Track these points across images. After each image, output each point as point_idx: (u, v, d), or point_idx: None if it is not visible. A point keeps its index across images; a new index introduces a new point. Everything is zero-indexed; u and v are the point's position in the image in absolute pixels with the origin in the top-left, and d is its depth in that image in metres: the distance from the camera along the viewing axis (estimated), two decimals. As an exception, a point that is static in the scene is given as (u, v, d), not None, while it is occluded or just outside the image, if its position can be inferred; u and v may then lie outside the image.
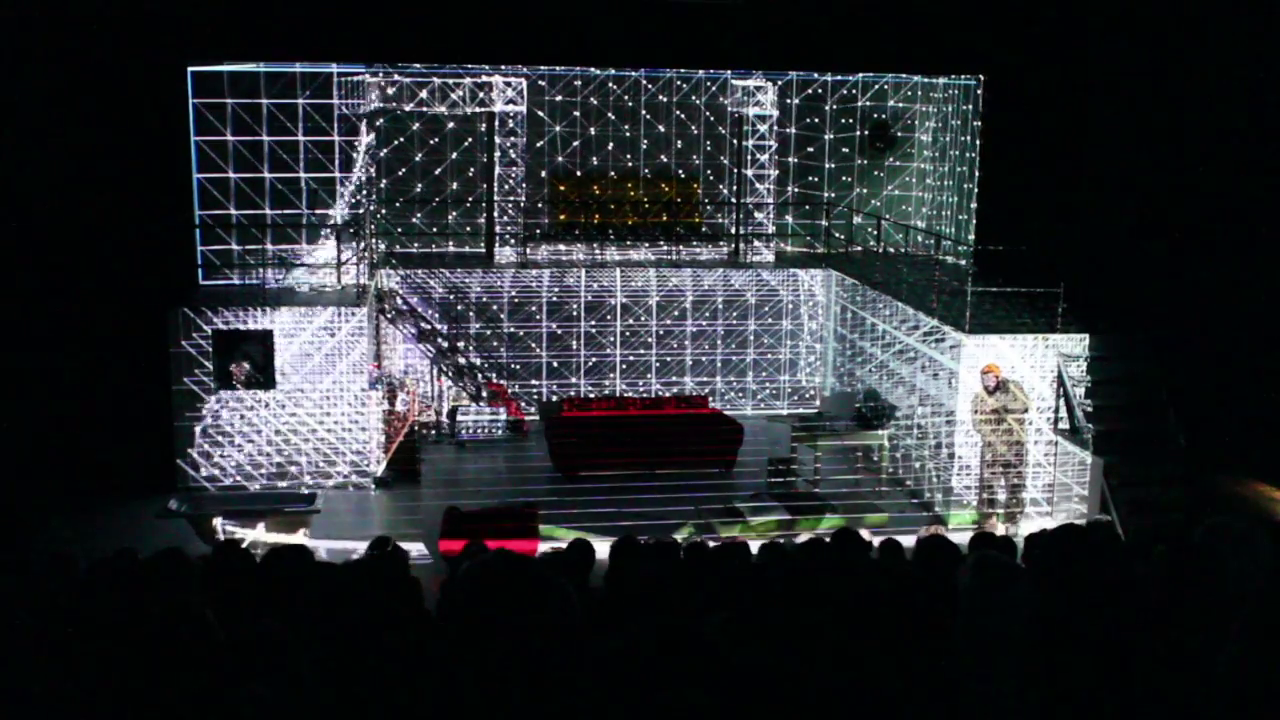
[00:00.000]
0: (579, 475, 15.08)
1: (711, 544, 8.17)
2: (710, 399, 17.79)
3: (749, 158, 18.44)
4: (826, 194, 19.37)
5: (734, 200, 18.88)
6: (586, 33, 16.00)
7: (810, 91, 19.17)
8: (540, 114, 18.49)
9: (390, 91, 17.11)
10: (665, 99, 18.81)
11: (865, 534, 8.07)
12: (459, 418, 16.67)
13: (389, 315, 16.80)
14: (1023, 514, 13.12)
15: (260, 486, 14.45)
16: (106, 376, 14.22)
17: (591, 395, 17.74)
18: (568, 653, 3.01)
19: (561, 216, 18.83)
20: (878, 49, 16.87)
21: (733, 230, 18.90)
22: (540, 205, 18.71)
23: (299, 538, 12.21)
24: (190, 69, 15.95)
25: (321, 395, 14.69)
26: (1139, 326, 13.55)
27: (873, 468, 15.42)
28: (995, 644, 4.90)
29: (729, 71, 18.42)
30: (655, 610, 5.53)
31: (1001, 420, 12.68)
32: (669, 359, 18.31)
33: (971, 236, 17.72)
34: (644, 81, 18.68)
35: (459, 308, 17.74)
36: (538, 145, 18.53)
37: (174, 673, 3.11)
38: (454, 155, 18.39)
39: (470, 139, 18.36)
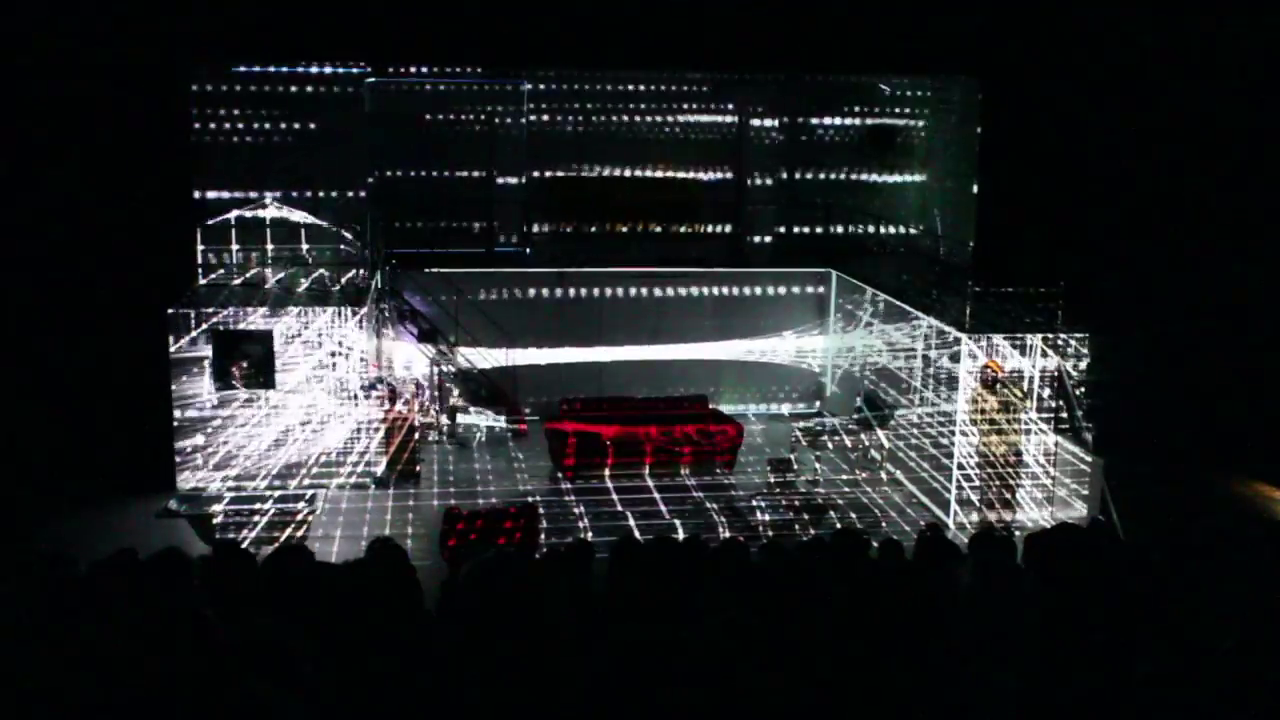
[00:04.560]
0: (579, 475, 15.07)
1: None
2: (709, 399, 17.77)
3: (749, 158, 18.44)
4: (826, 192, 19.36)
5: (734, 200, 18.87)
6: (587, 33, 16.00)
7: (810, 91, 19.15)
8: (540, 115, 18.48)
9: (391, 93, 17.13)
10: (665, 99, 18.80)
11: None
12: (459, 418, 16.66)
13: (389, 315, 16.79)
14: (1021, 513, 13.12)
15: (260, 486, 14.44)
16: (106, 376, 14.20)
17: (591, 395, 17.70)
18: (567, 652, 3.01)
19: (562, 217, 18.83)
20: (877, 49, 16.86)
21: (732, 230, 18.90)
22: (540, 206, 18.70)
23: (299, 537, 12.21)
24: (191, 68, 15.95)
25: (321, 395, 14.68)
26: (1139, 326, 13.54)
27: (873, 468, 15.42)
28: (995, 644, 4.89)
29: (729, 71, 18.41)
30: (655, 610, 5.52)
31: (1005, 415, 12.65)
32: (668, 359, 18.28)
33: (972, 236, 17.71)
34: (644, 81, 18.66)
35: (458, 308, 17.72)
36: (538, 146, 18.53)
37: (174, 673, 3.11)
38: (455, 156, 18.39)
39: (471, 140, 18.35)
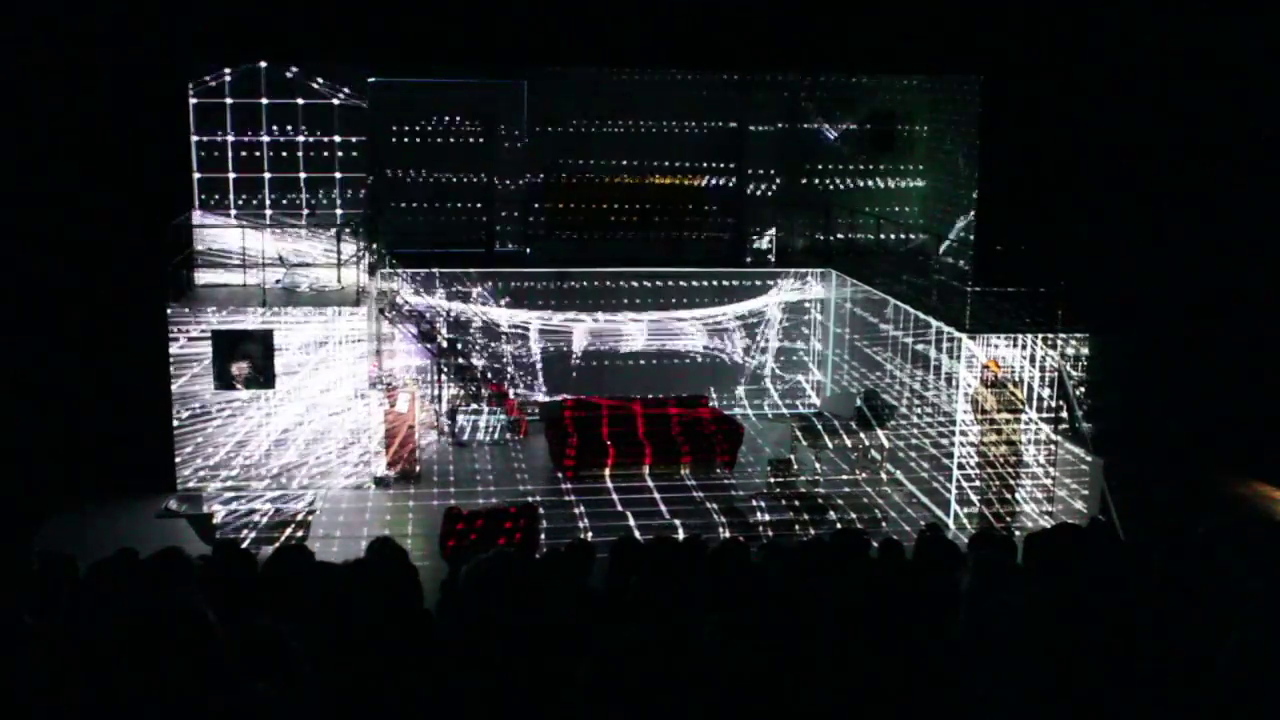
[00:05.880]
0: (579, 475, 15.06)
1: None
2: (709, 399, 17.76)
3: (750, 157, 18.42)
4: (827, 193, 19.35)
5: (735, 200, 18.87)
6: (587, 32, 15.99)
7: (811, 91, 19.14)
8: (540, 114, 18.48)
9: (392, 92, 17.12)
10: (666, 99, 18.79)
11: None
12: (459, 418, 16.66)
13: (389, 315, 16.79)
14: (1020, 513, 13.12)
15: (260, 486, 14.44)
16: (106, 376, 14.19)
17: (591, 395, 17.70)
18: (566, 652, 3.01)
19: (561, 217, 18.82)
20: (878, 49, 16.85)
21: (733, 230, 18.89)
22: (540, 205, 18.70)
23: (299, 537, 12.21)
24: (190, 67, 15.94)
25: (321, 395, 14.68)
26: (1139, 326, 13.54)
27: (873, 468, 15.42)
28: (995, 645, 4.89)
29: (731, 72, 18.41)
30: (655, 610, 5.53)
31: (1006, 413, 12.66)
32: (669, 358, 18.27)
33: (972, 236, 17.71)
34: (644, 81, 18.65)
35: (458, 307, 17.72)
36: (537, 145, 18.52)
37: (174, 673, 3.11)
38: (454, 156, 18.38)
39: (471, 138, 18.35)
